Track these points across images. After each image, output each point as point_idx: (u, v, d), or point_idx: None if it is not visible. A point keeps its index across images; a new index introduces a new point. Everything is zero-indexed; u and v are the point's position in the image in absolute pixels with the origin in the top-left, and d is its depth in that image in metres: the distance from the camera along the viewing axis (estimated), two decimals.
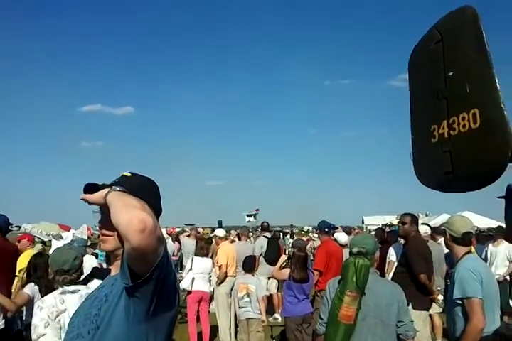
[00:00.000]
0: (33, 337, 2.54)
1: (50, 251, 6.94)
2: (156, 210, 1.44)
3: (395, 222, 22.62)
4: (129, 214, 1.18)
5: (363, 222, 38.89)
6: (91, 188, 1.41)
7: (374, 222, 34.51)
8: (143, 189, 1.44)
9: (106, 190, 1.35)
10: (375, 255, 3.21)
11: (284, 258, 5.87)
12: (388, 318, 2.93)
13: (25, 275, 4.24)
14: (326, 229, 6.56)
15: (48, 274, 4.09)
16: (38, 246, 8.01)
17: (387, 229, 13.68)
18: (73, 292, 2.80)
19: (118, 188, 1.36)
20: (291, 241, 15.14)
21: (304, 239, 12.87)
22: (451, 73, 1.80)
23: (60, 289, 2.82)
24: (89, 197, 1.38)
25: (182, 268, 11.30)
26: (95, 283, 3.30)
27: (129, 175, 1.50)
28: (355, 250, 3.06)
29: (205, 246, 7.33)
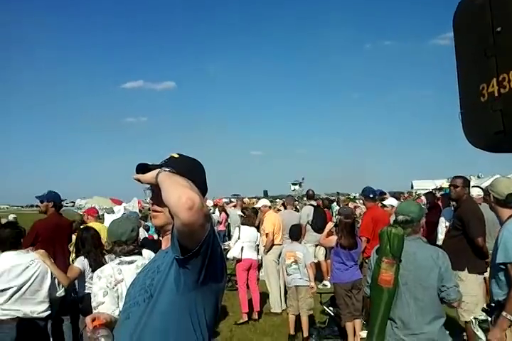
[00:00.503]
0: (93, 304, 2.65)
1: (106, 224, 7.29)
2: (203, 189, 1.53)
3: (445, 185, 22.05)
4: (178, 193, 1.26)
5: (412, 187, 38.09)
6: (142, 168, 1.52)
7: (424, 186, 33.73)
8: (189, 169, 1.54)
9: (157, 171, 1.44)
10: (420, 222, 3.22)
11: (330, 225, 5.86)
12: (429, 283, 2.95)
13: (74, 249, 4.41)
14: (371, 195, 6.46)
15: (96, 248, 4.27)
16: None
17: (438, 193, 13.36)
18: (130, 262, 2.87)
19: (167, 169, 1.45)
20: (337, 208, 15.08)
21: (351, 205, 12.80)
22: (499, 28, 1.69)
23: (118, 259, 2.89)
24: (142, 177, 1.48)
25: (230, 237, 11.57)
26: (145, 253, 3.43)
27: (176, 156, 1.60)
28: (400, 218, 3.09)
29: (251, 216, 7.43)
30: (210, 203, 19.01)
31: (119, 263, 2.86)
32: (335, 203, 15.98)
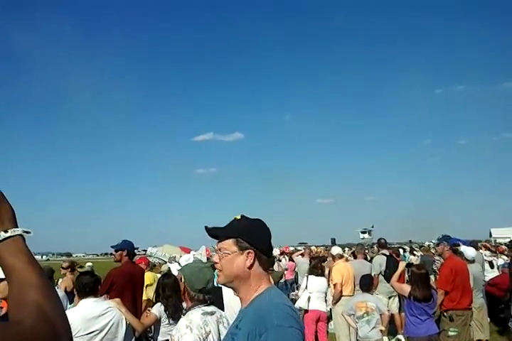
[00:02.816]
0: None
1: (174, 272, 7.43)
2: (264, 250, 1.66)
3: None
4: None
5: (490, 235, 35.72)
6: (209, 231, 1.74)
7: (503, 234, 31.49)
8: (252, 230, 1.68)
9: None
10: None
11: (403, 265, 5.63)
12: None
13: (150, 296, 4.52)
14: (447, 244, 6.16)
15: (176, 293, 4.34)
16: (165, 267, 8.52)
17: None
18: (211, 313, 2.80)
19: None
20: (411, 257, 14.42)
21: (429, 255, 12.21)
22: None
23: (200, 310, 2.80)
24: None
25: (298, 287, 11.33)
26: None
27: (239, 218, 1.73)
28: None
29: (319, 265, 7.31)
30: (276, 251, 18.88)
31: (203, 314, 2.76)
32: (407, 253, 15.33)
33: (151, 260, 11.57)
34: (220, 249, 1.68)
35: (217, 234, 1.73)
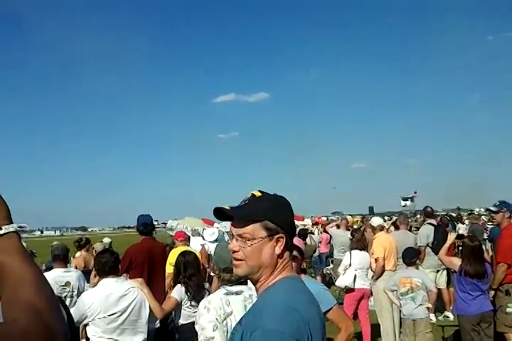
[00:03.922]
0: (200, 338, 2.62)
1: (193, 247, 7.57)
2: (287, 231, 1.54)
3: None
4: None
5: None
6: (218, 213, 1.56)
7: None
8: (272, 209, 1.53)
9: None
10: None
11: (453, 237, 5.56)
12: None
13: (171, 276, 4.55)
14: (506, 210, 5.89)
15: (199, 272, 4.41)
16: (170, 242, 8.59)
17: None
18: (237, 293, 2.83)
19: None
20: (460, 226, 14.29)
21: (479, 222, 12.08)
22: None
23: (224, 290, 2.85)
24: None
25: (332, 261, 11.41)
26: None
27: (259, 194, 1.57)
28: None
29: (362, 238, 7.30)
30: (308, 222, 18.95)
31: (226, 294, 2.80)
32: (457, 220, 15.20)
33: (171, 234, 11.76)
34: (240, 235, 1.52)
35: (241, 216, 1.54)
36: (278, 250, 1.50)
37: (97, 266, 3.89)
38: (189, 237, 9.80)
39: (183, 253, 4.62)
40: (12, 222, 1.01)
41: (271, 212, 1.52)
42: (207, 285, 4.47)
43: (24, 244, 3.52)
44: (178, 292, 4.22)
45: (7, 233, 0.99)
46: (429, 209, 9.59)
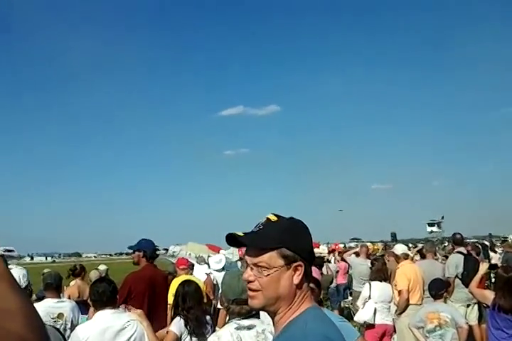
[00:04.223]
0: None
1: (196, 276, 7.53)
2: (305, 258, 1.52)
3: None
4: None
5: None
6: (231, 239, 1.55)
7: None
8: (297, 235, 1.53)
9: None
10: None
11: (485, 266, 5.51)
12: None
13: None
14: None
15: (199, 304, 4.38)
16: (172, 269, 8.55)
17: None
18: (249, 328, 2.83)
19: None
20: (492, 255, 14.13)
21: None
22: None
23: (234, 324, 2.85)
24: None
25: (351, 292, 11.30)
26: (264, 315, 3.42)
27: (274, 218, 1.56)
28: None
29: (384, 268, 7.24)
30: (324, 249, 18.84)
31: (237, 328, 2.80)
32: (489, 249, 15.02)
33: (173, 261, 11.73)
34: (256, 264, 1.50)
35: (254, 243, 1.53)
36: (296, 280, 1.48)
37: (93, 297, 3.87)
38: (193, 265, 9.77)
39: (183, 283, 4.61)
40: None
41: (287, 238, 1.50)
42: (208, 317, 4.43)
43: (23, 271, 3.46)
44: (177, 325, 4.17)
45: None
46: (458, 236, 9.49)
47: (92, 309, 4.37)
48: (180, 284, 4.63)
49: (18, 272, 4.03)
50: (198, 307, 4.30)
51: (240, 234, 1.54)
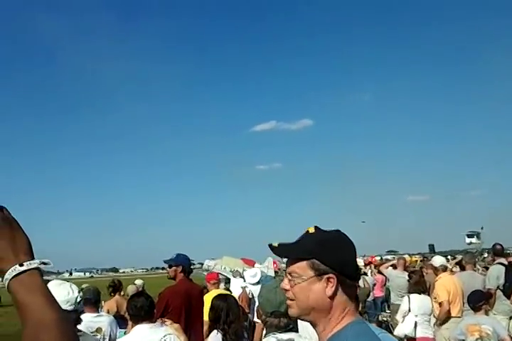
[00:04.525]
0: None
1: (233, 290, 7.52)
2: (350, 273, 1.51)
3: None
4: None
5: None
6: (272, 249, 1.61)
7: None
8: (331, 248, 1.52)
9: None
10: None
11: None
12: None
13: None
14: None
15: (239, 319, 4.37)
16: (221, 286, 8.65)
17: None
18: None
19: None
20: None
21: None
22: None
23: (273, 338, 2.83)
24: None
25: (389, 306, 11.12)
26: (302, 327, 3.40)
27: (312, 230, 1.58)
28: None
29: (421, 280, 7.14)
30: (360, 262, 18.60)
31: None
32: None
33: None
34: (290, 273, 1.54)
35: (285, 253, 1.62)
36: (329, 291, 1.47)
37: (131, 311, 3.91)
38: (228, 279, 9.80)
39: (224, 297, 4.59)
40: (34, 258, 1.01)
41: (320, 250, 1.50)
42: (244, 332, 4.44)
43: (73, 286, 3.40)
44: (214, 339, 4.15)
45: (28, 270, 0.98)
46: (498, 246, 9.29)
47: (130, 323, 4.42)
48: (219, 298, 4.58)
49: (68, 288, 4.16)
50: (238, 321, 4.29)
51: (275, 244, 1.59)
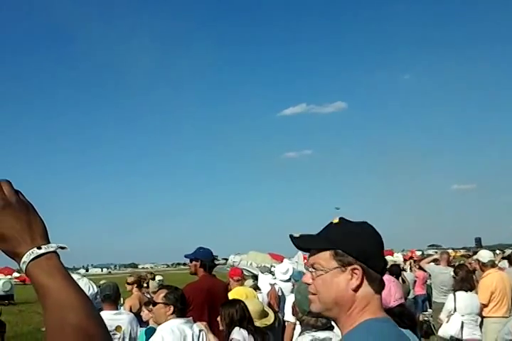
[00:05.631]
0: None
1: (261, 287, 7.56)
2: (375, 264, 1.51)
3: None
4: None
5: None
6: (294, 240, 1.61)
7: None
8: (356, 238, 1.53)
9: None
10: None
11: None
12: None
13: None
14: None
15: (250, 322, 4.55)
16: (249, 282, 8.66)
17: None
18: (324, 340, 2.88)
19: None
20: None
21: None
22: None
23: (309, 336, 2.90)
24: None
25: (430, 304, 11.05)
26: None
27: (336, 221, 1.59)
28: None
29: (469, 276, 7.08)
30: (399, 257, 18.55)
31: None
32: None
33: None
34: (312, 265, 1.54)
35: (307, 244, 1.62)
36: (353, 284, 1.47)
37: (180, 305, 3.99)
38: (255, 276, 9.82)
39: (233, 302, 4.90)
40: (50, 242, 1.05)
41: (344, 240, 1.50)
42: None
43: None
44: (239, 334, 4.35)
45: (47, 253, 1.02)
46: None
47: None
48: (227, 305, 4.83)
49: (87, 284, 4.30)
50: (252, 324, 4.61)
51: (296, 235, 1.60)
